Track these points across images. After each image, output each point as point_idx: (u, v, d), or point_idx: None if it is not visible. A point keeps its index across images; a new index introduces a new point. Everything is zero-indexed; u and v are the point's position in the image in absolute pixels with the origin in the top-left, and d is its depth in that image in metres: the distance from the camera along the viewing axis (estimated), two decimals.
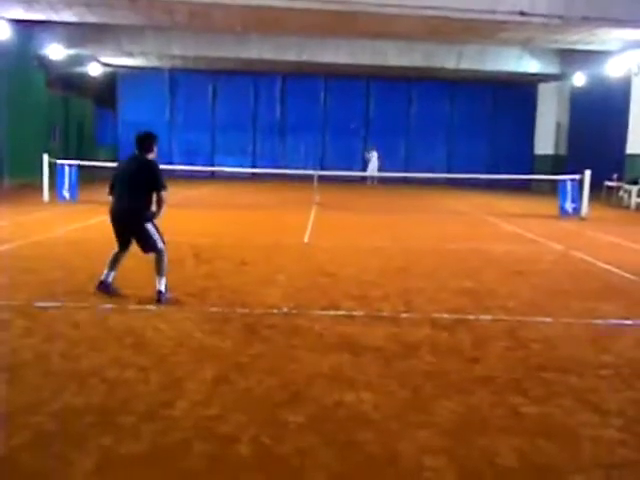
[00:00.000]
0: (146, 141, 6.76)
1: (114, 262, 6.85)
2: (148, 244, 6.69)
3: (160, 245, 6.68)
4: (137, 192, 6.60)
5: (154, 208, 6.71)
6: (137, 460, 3.39)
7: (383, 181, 28.94)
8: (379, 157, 29.80)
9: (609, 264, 9.70)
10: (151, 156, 6.75)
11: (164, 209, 6.69)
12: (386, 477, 3.34)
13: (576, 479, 3.34)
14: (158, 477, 3.26)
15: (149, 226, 6.65)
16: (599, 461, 3.53)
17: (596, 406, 4.27)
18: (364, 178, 29.39)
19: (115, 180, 6.80)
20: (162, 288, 6.60)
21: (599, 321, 6.49)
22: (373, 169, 29.06)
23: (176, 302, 6.60)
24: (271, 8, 16.49)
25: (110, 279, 6.82)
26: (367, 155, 30.24)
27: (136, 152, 6.75)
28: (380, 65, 26.47)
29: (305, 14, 17.38)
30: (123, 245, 6.86)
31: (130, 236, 6.74)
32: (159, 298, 6.55)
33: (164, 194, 6.59)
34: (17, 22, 20.10)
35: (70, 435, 3.64)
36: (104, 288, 6.76)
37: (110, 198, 6.81)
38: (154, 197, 6.64)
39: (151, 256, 6.75)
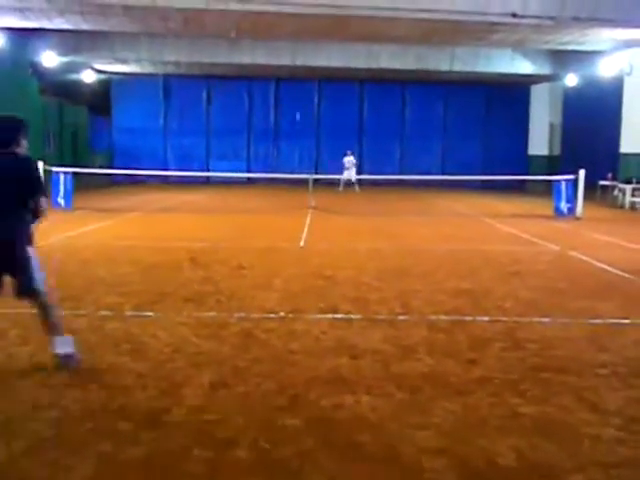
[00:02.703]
0: (5, 130, 4.74)
1: None
2: (28, 280, 4.62)
3: (41, 286, 4.69)
4: (12, 204, 4.61)
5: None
6: (136, 466, 3.38)
7: (377, 183, 28.48)
8: (355, 162, 27.63)
9: (605, 263, 9.73)
10: (18, 150, 4.72)
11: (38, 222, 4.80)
12: (386, 478, 3.34)
13: (575, 478, 3.34)
14: None
15: (32, 253, 4.66)
16: (598, 460, 3.53)
17: (594, 405, 4.27)
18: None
19: None
20: (69, 349, 4.73)
21: (596, 320, 6.50)
22: (350, 174, 26.93)
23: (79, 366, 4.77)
24: (264, 13, 16.55)
25: None
26: (344, 160, 27.43)
27: None
28: (373, 68, 26.55)
29: (298, 19, 17.44)
30: None
31: (6, 271, 4.63)
32: (66, 362, 4.70)
33: (44, 202, 4.72)
34: (11, 30, 20.11)
35: (68, 442, 3.62)
36: None
37: None
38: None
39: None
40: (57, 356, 4.71)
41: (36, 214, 4.70)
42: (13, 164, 4.66)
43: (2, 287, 4.69)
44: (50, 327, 4.73)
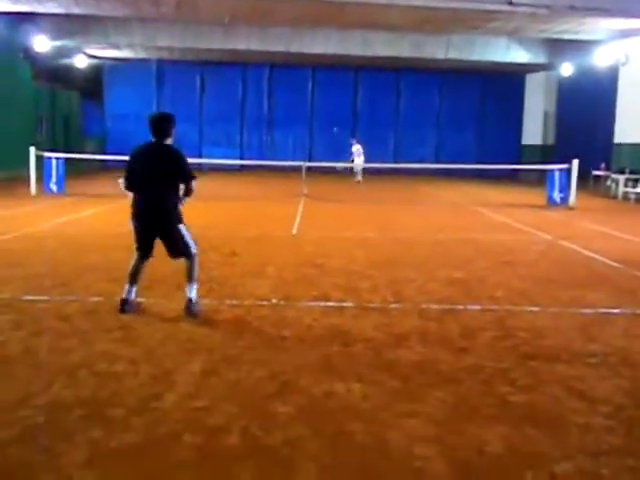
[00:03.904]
0: (162, 124, 5.83)
1: (135, 274, 5.97)
2: (178, 247, 5.91)
3: (193, 250, 5.97)
4: (162, 186, 5.81)
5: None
6: (127, 452, 3.39)
7: (371, 172, 27.98)
8: (363, 150, 26.08)
9: (597, 253, 9.76)
10: (169, 141, 5.87)
11: (189, 199, 6.03)
12: (376, 467, 3.35)
13: (564, 466, 3.36)
14: (148, 469, 3.26)
15: (181, 226, 5.93)
16: (586, 448, 3.56)
17: (583, 394, 4.30)
18: (352, 171, 26.17)
19: (132, 173, 5.88)
20: (192, 295, 5.89)
21: (587, 310, 6.54)
22: (359, 163, 25.47)
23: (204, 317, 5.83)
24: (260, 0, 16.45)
25: (132, 295, 5.95)
26: (352, 150, 25.92)
27: (153, 139, 5.83)
28: (369, 56, 26.39)
29: (294, 5, 17.36)
30: (147, 250, 5.95)
31: (157, 237, 5.93)
32: (189, 307, 5.85)
33: (194, 184, 5.90)
34: (2, 14, 19.90)
35: (59, 428, 3.63)
36: (127, 307, 5.88)
37: (129, 194, 5.96)
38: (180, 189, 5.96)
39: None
40: (188, 300, 5.86)
41: (187, 193, 5.93)
42: (164, 155, 5.81)
43: (152, 251, 5.96)
44: (190, 277, 5.91)
